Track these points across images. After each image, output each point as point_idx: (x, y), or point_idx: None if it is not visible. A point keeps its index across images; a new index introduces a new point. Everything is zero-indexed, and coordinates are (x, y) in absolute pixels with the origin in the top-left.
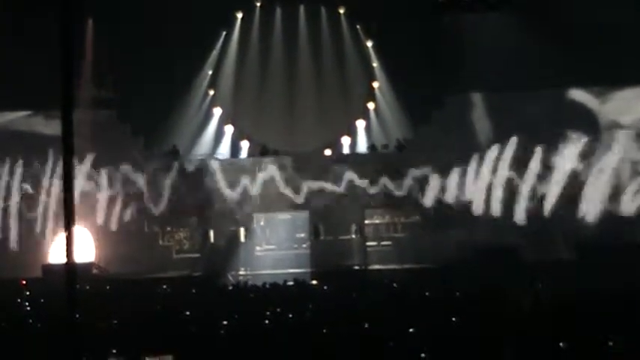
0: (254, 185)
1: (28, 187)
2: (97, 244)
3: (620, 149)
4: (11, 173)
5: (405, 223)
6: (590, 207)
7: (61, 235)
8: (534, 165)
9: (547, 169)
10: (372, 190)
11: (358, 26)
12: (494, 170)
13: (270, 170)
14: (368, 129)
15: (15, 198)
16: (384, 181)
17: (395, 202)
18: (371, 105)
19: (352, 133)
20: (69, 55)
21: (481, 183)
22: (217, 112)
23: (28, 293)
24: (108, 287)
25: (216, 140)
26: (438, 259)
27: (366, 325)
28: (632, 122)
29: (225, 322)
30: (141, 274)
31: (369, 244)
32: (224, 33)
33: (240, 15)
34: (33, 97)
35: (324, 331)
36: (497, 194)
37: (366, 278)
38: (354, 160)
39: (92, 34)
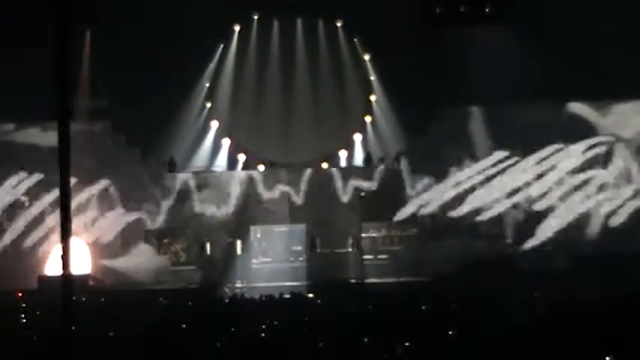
0: (251, 197)
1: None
2: (93, 255)
3: (618, 162)
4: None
5: (401, 236)
6: (589, 219)
7: (58, 247)
8: (531, 177)
9: (544, 180)
10: (369, 203)
11: (355, 39)
12: (492, 182)
13: (267, 182)
14: (365, 142)
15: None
16: (381, 193)
17: (392, 215)
18: (368, 118)
19: (349, 146)
20: (66, 67)
21: (479, 194)
22: (214, 124)
23: (24, 305)
24: (103, 299)
25: (213, 153)
26: (435, 272)
27: (363, 339)
28: (631, 136)
29: (221, 335)
30: (137, 286)
31: (365, 257)
32: (221, 46)
33: (237, 28)
34: (28, 108)
35: (320, 344)
36: (495, 205)
37: (363, 291)
38: (351, 173)
39: (89, 45)
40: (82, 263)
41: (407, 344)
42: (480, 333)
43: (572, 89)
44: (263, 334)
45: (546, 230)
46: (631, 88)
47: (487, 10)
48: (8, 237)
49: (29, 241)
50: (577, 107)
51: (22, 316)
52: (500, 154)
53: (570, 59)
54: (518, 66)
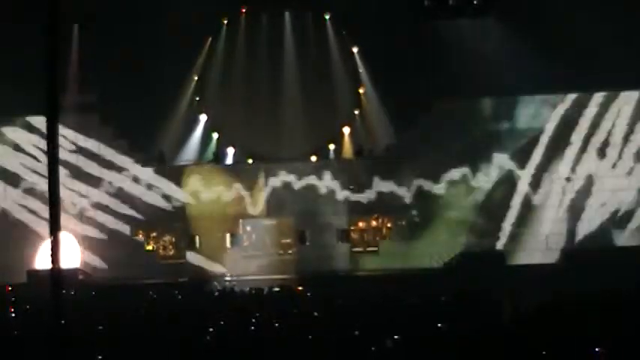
0: (240, 191)
1: None
2: (82, 249)
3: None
4: None
5: (390, 229)
6: (577, 213)
7: (47, 241)
8: (523, 171)
9: (534, 174)
10: (358, 196)
11: (344, 32)
12: (482, 175)
13: (256, 176)
14: (354, 134)
15: None
16: (370, 186)
17: (381, 207)
18: (357, 111)
19: (338, 138)
20: (54, 62)
21: (468, 187)
22: (203, 118)
23: (13, 299)
24: (93, 293)
25: (202, 146)
26: (423, 264)
27: (351, 331)
28: (620, 128)
29: (211, 329)
30: (127, 280)
31: (354, 249)
32: (210, 39)
33: (226, 21)
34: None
35: (310, 337)
36: (484, 199)
37: (352, 284)
38: (340, 165)
39: (78, 39)
40: (72, 257)
41: (396, 337)
42: (469, 326)
43: (561, 80)
44: (253, 327)
45: (535, 224)
46: (621, 79)
47: (475, 2)
48: None
49: None
50: (566, 98)
51: (12, 310)
52: (489, 146)
53: (559, 50)
54: (506, 57)
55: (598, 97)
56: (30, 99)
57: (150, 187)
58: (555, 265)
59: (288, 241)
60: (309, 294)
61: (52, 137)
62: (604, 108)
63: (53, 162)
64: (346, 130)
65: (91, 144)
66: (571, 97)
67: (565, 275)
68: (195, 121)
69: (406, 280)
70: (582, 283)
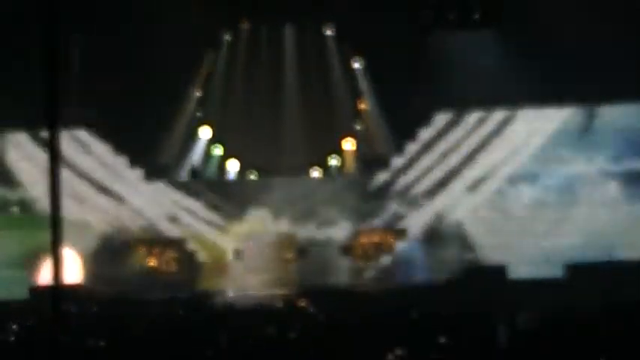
0: (242, 205)
1: None
2: (83, 264)
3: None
4: None
5: (393, 243)
6: (575, 225)
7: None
8: (522, 184)
9: (534, 187)
10: (361, 210)
11: (345, 46)
12: (483, 188)
13: (258, 190)
14: (355, 149)
15: None
16: (372, 200)
17: (383, 221)
18: (358, 125)
19: (339, 152)
20: (55, 75)
21: (470, 201)
22: (204, 132)
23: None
24: (95, 309)
25: (204, 160)
26: (427, 278)
27: (354, 346)
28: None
29: (212, 343)
30: (128, 295)
31: (357, 263)
32: (211, 54)
33: (227, 36)
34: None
35: (312, 351)
36: (485, 213)
37: (354, 298)
38: (341, 179)
39: (79, 54)
40: (73, 273)
41: (398, 352)
42: (472, 341)
43: (561, 93)
44: (254, 342)
45: (535, 237)
46: (622, 90)
47: (476, 15)
48: None
49: None
50: (567, 111)
51: (14, 326)
52: (490, 159)
53: (560, 63)
54: (507, 71)
55: (598, 110)
56: (30, 111)
57: (152, 201)
58: (557, 278)
59: (290, 255)
60: (310, 308)
61: (53, 150)
62: (603, 121)
63: (55, 176)
64: (347, 144)
65: (92, 158)
66: (571, 110)
67: (567, 289)
68: (196, 135)
69: (408, 295)
70: (584, 297)
